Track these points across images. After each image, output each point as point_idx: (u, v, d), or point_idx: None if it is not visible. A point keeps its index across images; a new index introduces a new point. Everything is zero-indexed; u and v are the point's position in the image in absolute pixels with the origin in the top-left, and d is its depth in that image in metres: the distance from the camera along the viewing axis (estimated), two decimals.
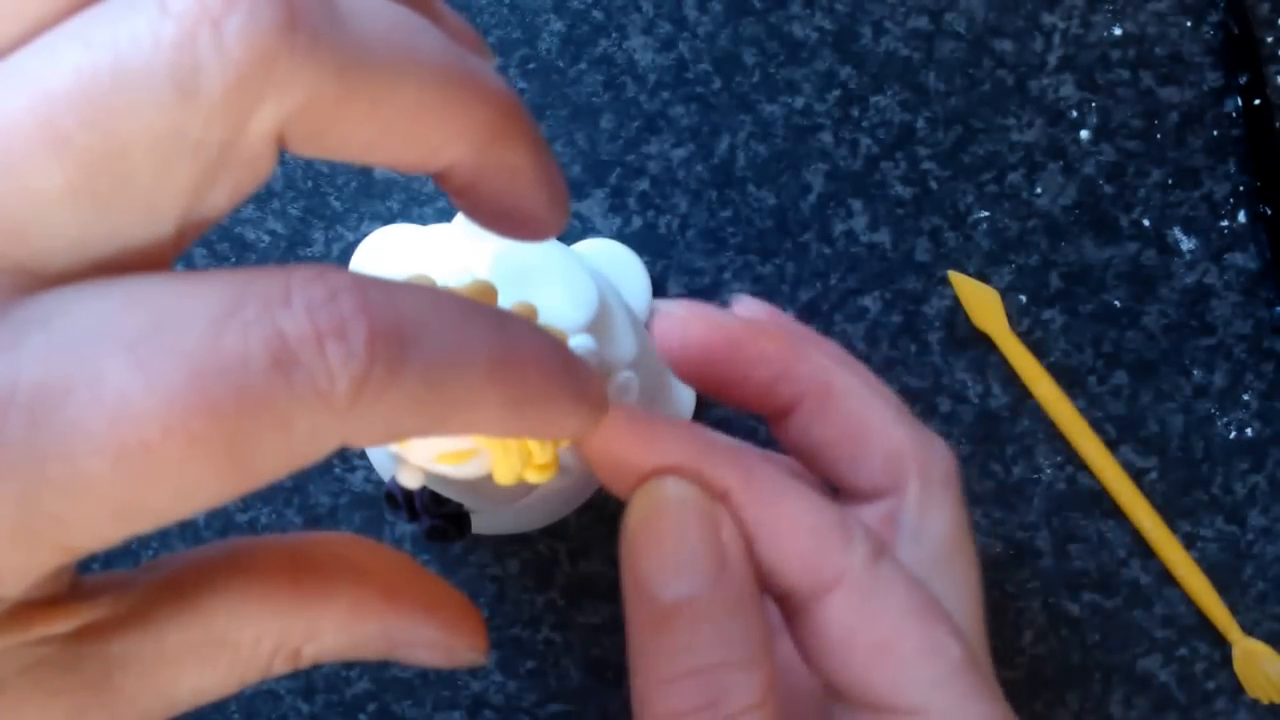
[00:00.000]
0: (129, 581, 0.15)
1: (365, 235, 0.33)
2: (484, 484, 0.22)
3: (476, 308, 0.14)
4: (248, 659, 0.15)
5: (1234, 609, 0.34)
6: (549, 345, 0.15)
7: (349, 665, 0.34)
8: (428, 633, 0.17)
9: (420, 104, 0.14)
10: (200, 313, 0.12)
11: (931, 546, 0.22)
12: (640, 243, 0.35)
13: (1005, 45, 0.36)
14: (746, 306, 0.25)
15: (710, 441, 0.18)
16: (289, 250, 0.35)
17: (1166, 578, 0.34)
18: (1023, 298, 0.35)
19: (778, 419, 0.23)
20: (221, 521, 0.34)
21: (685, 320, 0.22)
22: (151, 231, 0.13)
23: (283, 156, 0.35)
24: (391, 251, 0.31)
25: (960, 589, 0.22)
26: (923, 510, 0.22)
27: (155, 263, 0.14)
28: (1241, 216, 0.35)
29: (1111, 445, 0.34)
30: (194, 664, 0.15)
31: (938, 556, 0.22)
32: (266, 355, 0.12)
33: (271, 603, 0.16)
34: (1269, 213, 0.35)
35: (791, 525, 0.18)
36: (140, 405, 0.12)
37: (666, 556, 0.17)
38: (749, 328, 0.22)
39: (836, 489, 0.24)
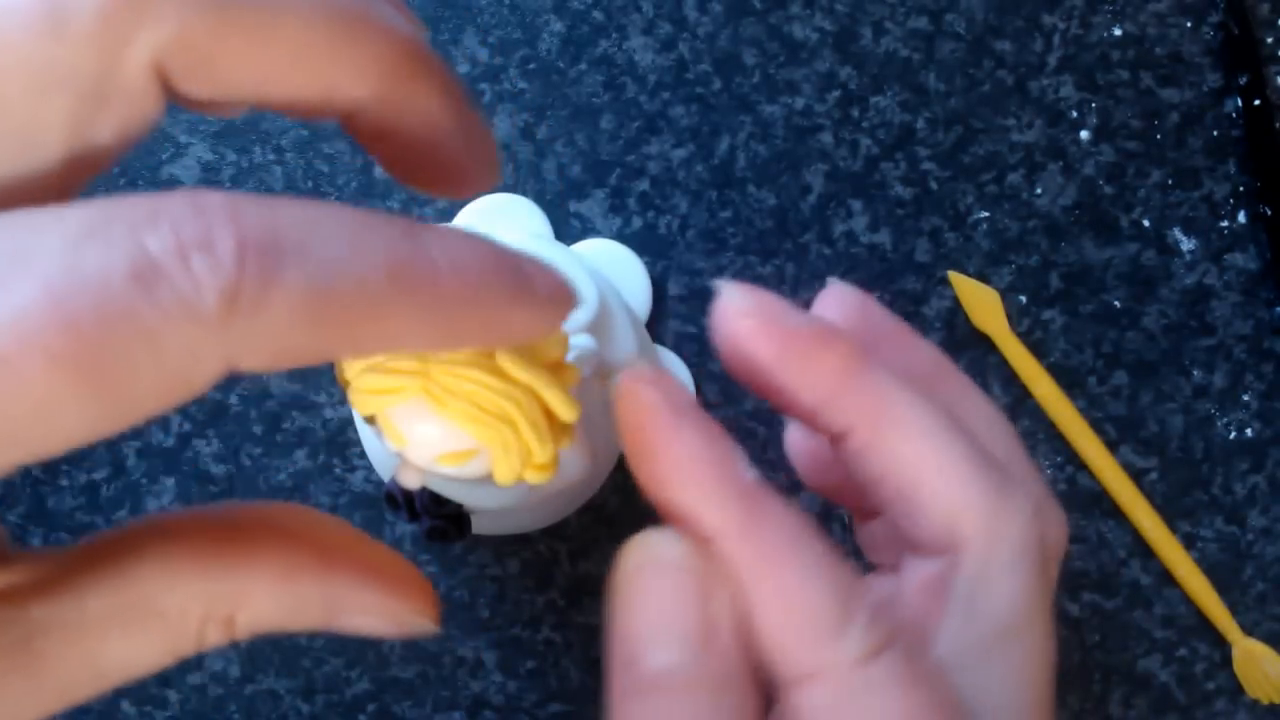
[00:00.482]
0: (57, 554, 0.15)
1: None
2: (484, 484, 0.22)
3: (378, 216, 0.13)
4: (176, 627, 0.15)
5: (1234, 609, 0.34)
6: (469, 244, 0.14)
7: (349, 665, 0.34)
8: (368, 596, 0.16)
9: (308, 40, 0.14)
10: (64, 236, 0.12)
11: (985, 624, 0.19)
12: (640, 243, 0.35)
13: (1005, 45, 0.36)
14: (836, 295, 0.21)
15: (727, 473, 0.16)
16: None
17: (1166, 578, 0.34)
18: (1023, 298, 0.35)
19: (833, 443, 0.20)
20: None
21: (738, 315, 0.19)
22: (30, 163, 0.13)
23: (283, 156, 0.35)
24: None
25: (1010, 680, 0.19)
26: (982, 578, 0.19)
27: (42, 198, 0.13)
28: (1241, 217, 0.35)
29: (1111, 445, 0.34)
30: (119, 631, 0.15)
31: (989, 637, 0.19)
32: (128, 270, 0.12)
33: (196, 566, 0.15)
34: (1269, 213, 0.35)
35: (779, 597, 0.16)
36: None
37: (649, 621, 0.16)
38: (809, 338, 0.18)
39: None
